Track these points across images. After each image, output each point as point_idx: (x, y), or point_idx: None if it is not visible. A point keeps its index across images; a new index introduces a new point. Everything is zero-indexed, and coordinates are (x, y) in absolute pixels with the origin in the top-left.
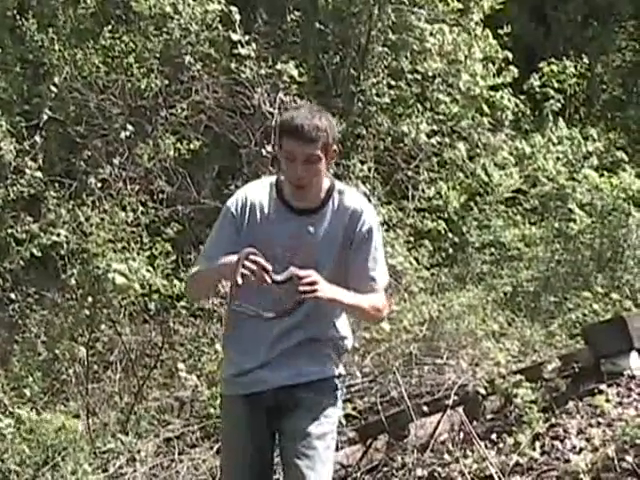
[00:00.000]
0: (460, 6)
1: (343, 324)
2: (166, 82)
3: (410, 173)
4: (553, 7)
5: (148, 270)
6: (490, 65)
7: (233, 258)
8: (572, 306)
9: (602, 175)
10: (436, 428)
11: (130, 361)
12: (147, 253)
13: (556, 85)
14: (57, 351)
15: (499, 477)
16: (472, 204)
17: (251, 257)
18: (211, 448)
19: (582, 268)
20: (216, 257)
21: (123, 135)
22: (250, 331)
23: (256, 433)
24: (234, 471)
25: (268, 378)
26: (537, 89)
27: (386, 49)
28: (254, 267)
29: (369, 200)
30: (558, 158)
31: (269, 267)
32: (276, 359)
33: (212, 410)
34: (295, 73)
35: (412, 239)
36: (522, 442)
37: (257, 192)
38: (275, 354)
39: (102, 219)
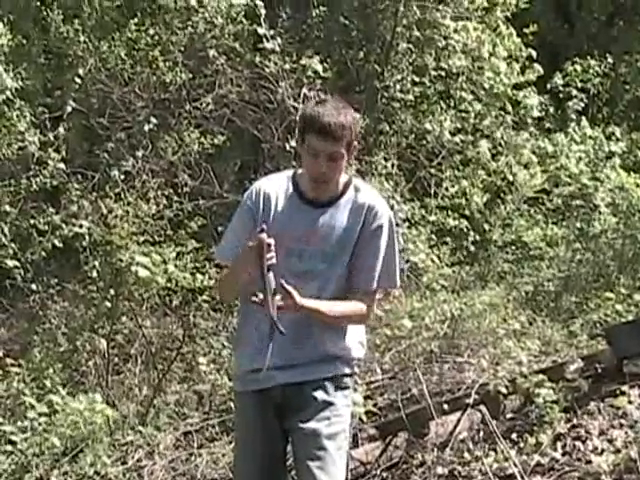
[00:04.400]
0: (485, 4)
1: (350, 338)
2: (190, 76)
3: (433, 170)
4: (578, 6)
5: (170, 263)
6: (514, 63)
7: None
8: (593, 306)
9: (629, 175)
10: (456, 426)
11: (150, 354)
12: (171, 247)
13: (579, 84)
14: (77, 343)
15: (521, 476)
16: (495, 202)
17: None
18: (230, 442)
19: (604, 268)
20: (232, 246)
21: (147, 128)
22: (261, 332)
23: (267, 430)
24: (246, 467)
25: (276, 375)
26: (561, 88)
27: (411, 46)
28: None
29: (393, 198)
30: (580, 158)
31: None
32: (285, 363)
33: (231, 404)
34: (319, 68)
35: (434, 237)
36: (543, 442)
37: (273, 184)
38: (283, 361)
39: (126, 212)
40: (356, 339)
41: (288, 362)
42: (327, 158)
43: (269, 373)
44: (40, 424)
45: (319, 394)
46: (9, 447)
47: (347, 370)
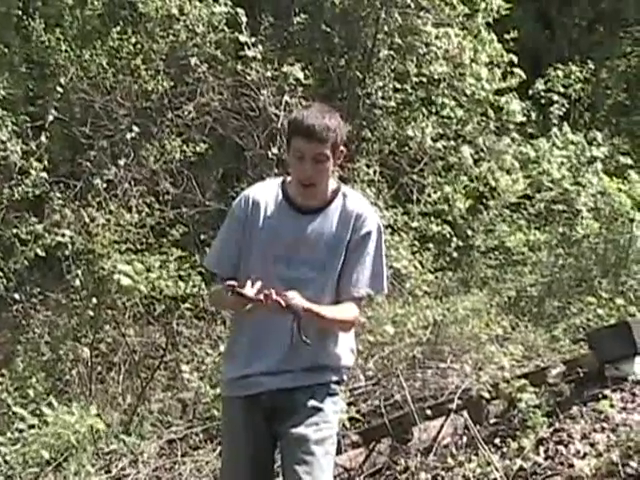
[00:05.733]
0: (466, 10)
1: (342, 346)
2: (172, 84)
3: (415, 177)
4: (558, 12)
5: (153, 271)
6: (495, 69)
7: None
8: (576, 311)
9: (611, 180)
10: (439, 432)
11: (134, 362)
12: (154, 255)
13: (561, 90)
14: (61, 352)
15: None
16: (477, 208)
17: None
18: (214, 450)
19: (586, 273)
20: (220, 255)
21: (129, 136)
22: (259, 340)
23: (255, 434)
24: (233, 472)
25: (265, 381)
26: (542, 93)
27: (392, 52)
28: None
29: (375, 204)
30: (562, 163)
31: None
32: (276, 369)
33: (215, 412)
34: (301, 75)
35: (417, 243)
36: (526, 447)
37: (262, 192)
38: (274, 368)
39: (108, 220)
40: (347, 346)
41: (279, 368)
42: (313, 160)
43: (257, 380)
44: (26, 434)
45: (309, 400)
46: None
47: (337, 377)
